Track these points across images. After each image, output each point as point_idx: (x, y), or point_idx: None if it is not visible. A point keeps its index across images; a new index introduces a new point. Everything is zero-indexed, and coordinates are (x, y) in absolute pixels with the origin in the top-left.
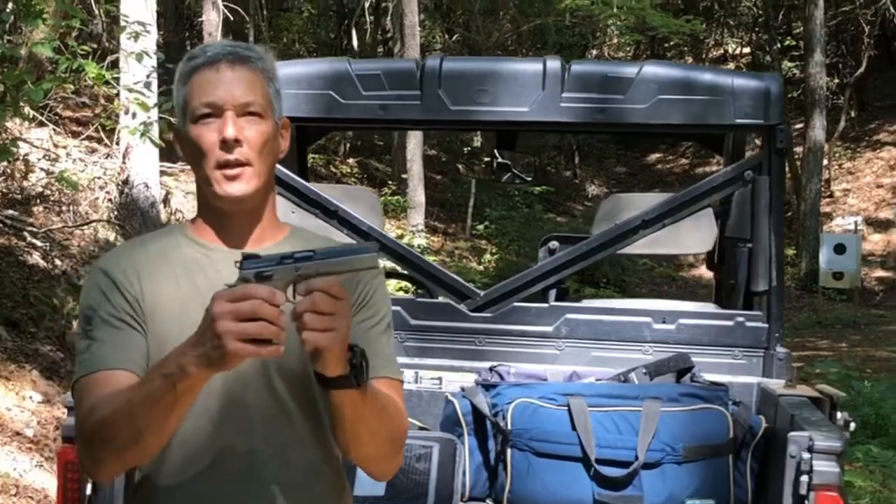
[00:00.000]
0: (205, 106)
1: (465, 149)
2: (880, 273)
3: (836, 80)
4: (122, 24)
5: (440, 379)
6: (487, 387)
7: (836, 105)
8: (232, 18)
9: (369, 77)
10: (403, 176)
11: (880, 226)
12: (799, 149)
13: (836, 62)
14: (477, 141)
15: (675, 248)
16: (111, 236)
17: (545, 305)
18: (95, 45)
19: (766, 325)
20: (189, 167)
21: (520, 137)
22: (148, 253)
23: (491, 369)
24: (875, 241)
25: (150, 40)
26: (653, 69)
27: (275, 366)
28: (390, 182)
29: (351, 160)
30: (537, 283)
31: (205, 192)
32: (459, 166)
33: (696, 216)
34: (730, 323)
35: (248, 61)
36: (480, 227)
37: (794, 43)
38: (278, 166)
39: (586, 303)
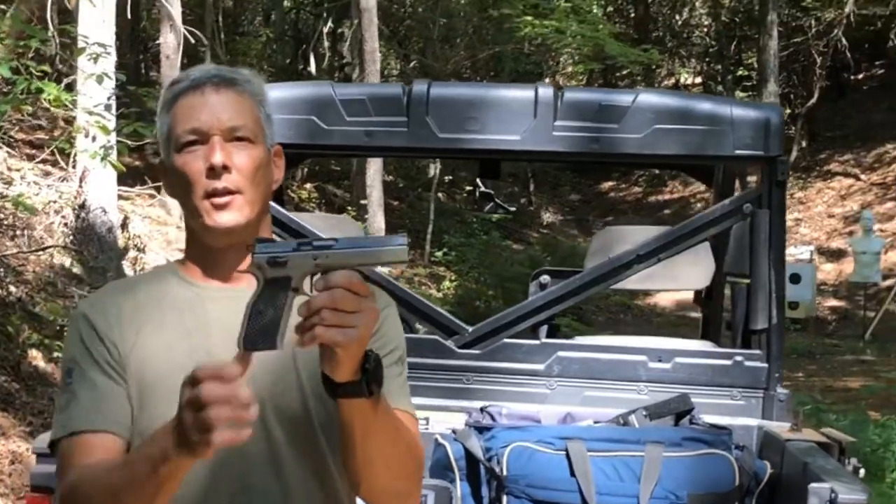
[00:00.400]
0: (189, 133)
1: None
2: (833, 302)
3: (788, 111)
4: (81, 44)
5: (427, 419)
6: (480, 429)
7: (787, 135)
8: (192, 41)
9: (354, 102)
10: (363, 202)
11: (832, 255)
12: (751, 178)
13: (787, 93)
14: (433, 169)
15: (672, 284)
16: (67, 262)
17: (536, 342)
18: (49, 68)
19: (765, 365)
20: (172, 198)
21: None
22: (134, 295)
23: (482, 410)
24: (827, 271)
25: (110, 62)
26: (649, 98)
27: (272, 411)
28: (349, 208)
29: (308, 185)
30: (528, 318)
31: (193, 227)
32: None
33: (694, 251)
34: (728, 362)
35: (234, 84)
36: (439, 253)
37: (746, 73)
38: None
39: (579, 340)
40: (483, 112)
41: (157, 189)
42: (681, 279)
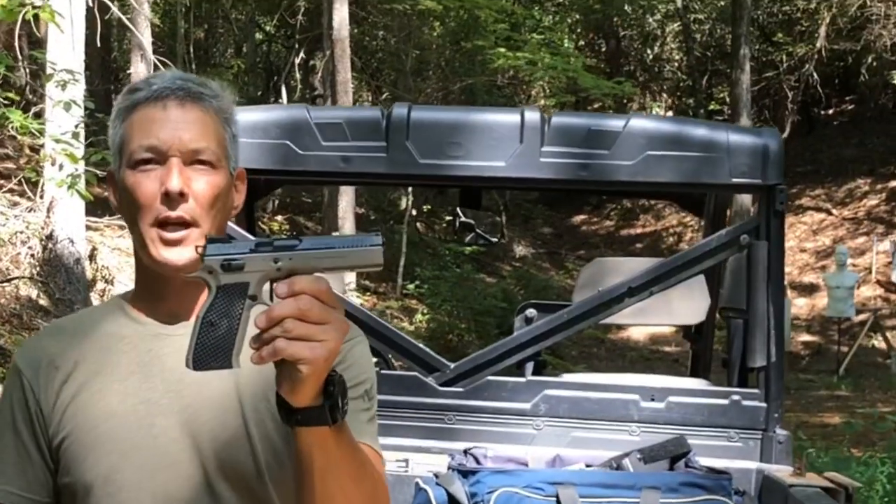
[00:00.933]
0: (146, 150)
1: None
2: (806, 337)
3: None
4: (50, 71)
5: (406, 461)
6: (465, 472)
7: None
8: (161, 70)
9: (330, 126)
10: (335, 234)
11: (805, 290)
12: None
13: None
14: (405, 201)
15: (665, 319)
16: (33, 293)
17: (522, 380)
18: (19, 97)
19: (764, 405)
20: (122, 220)
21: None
22: (73, 336)
23: (465, 452)
24: (800, 306)
25: (79, 89)
26: (641, 122)
27: (215, 462)
28: None
29: (280, 217)
30: (513, 354)
31: (139, 253)
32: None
33: (688, 284)
34: (724, 401)
35: (200, 99)
36: (411, 286)
37: (718, 107)
38: (235, 227)
39: (567, 377)
40: (467, 137)
41: None
42: (674, 314)
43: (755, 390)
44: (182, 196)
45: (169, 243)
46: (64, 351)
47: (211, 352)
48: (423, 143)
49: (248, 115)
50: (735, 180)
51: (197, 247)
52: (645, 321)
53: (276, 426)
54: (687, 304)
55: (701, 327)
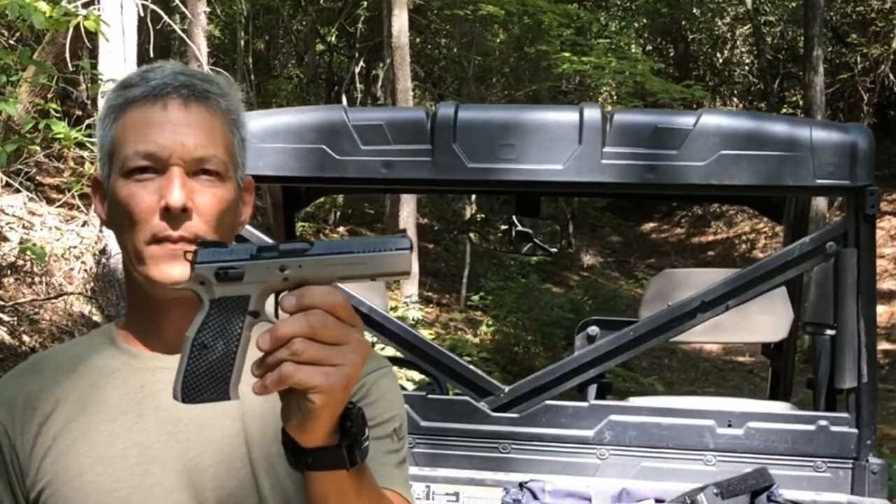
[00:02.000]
0: (142, 156)
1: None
2: (886, 346)
3: None
4: (98, 81)
5: (457, 495)
6: None
7: None
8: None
9: (370, 128)
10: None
11: (883, 297)
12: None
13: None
14: (469, 210)
15: (743, 336)
16: (86, 309)
17: (584, 404)
18: (80, 112)
19: (855, 431)
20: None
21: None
22: (55, 372)
23: (521, 486)
24: (879, 313)
25: None
26: (714, 119)
27: (267, 476)
28: None
29: (341, 228)
30: (574, 376)
31: (132, 273)
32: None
33: (768, 297)
34: (811, 427)
35: (206, 98)
36: (475, 297)
37: (791, 111)
38: (260, 235)
39: (634, 401)
40: (519, 138)
41: None
42: (753, 330)
43: (845, 414)
44: (185, 212)
45: (168, 256)
46: (44, 389)
47: (204, 380)
48: (472, 145)
49: (280, 118)
50: (820, 181)
51: (186, 252)
52: (720, 338)
53: (290, 473)
54: (767, 319)
55: (782, 344)
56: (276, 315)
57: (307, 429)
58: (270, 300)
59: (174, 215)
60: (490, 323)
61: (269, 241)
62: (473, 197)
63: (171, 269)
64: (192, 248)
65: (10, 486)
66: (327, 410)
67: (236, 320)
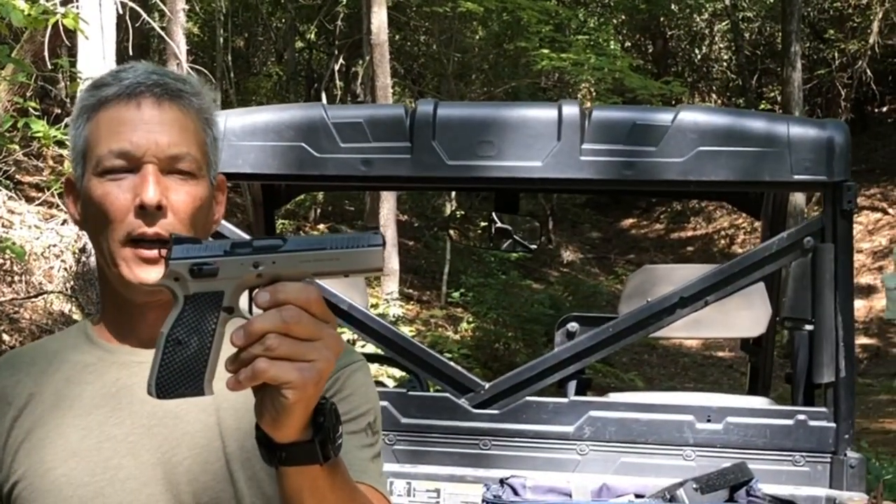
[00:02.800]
0: (116, 155)
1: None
2: (864, 340)
3: None
4: (77, 80)
5: (438, 491)
6: None
7: None
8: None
9: (349, 126)
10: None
11: (861, 292)
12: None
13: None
14: (449, 207)
15: (722, 331)
16: (66, 308)
17: (564, 400)
18: (59, 110)
19: (833, 425)
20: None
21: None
22: (30, 366)
23: (502, 482)
24: (857, 308)
25: None
26: (692, 115)
27: (243, 469)
28: None
29: (322, 226)
30: (554, 372)
31: (107, 274)
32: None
33: (746, 292)
34: (789, 422)
35: (179, 97)
36: (456, 294)
37: (769, 107)
38: (239, 232)
39: (614, 397)
40: (498, 135)
41: None
42: (732, 325)
43: (823, 409)
44: (159, 209)
45: (144, 260)
46: (18, 383)
47: (178, 376)
48: (451, 142)
49: (259, 116)
50: (797, 177)
51: (160, 249)
52: (699, 334)
53: (266, 466)
54: (746, 315)
55: (761, 339)
56: (251, 311)
57: (280, 424)
58: (245, 296)
59: (149, 213)
60: (470, 319)
61: (245, 236)
62: (453, 194)
63: (147, 273)
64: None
65: None
66: (300, 406)
67: (210, 316)
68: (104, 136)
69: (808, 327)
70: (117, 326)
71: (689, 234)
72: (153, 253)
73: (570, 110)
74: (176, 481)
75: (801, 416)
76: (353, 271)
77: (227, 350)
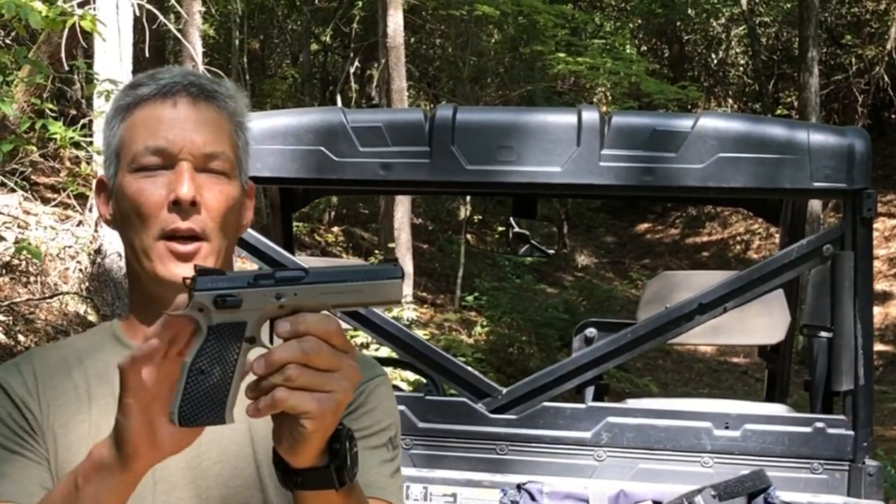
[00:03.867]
0: (152, 152)
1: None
2: (880, 347)
3: None
4: (94, 81)
5: (454, 496)
6: None
7: None
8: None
9: (368, 130)
10: (391, 245)
11: (877, 298)
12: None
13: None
14: (464, 211)
15: (741, 338)
16: (82, 309)
17: (582, 406)
18: (75, 111)
19: (851, 433)
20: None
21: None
22: (63, 359)
23: (519, 487)
24: (874, 315)
25: None
26: (712, 121)
27: (272, 475)
28: (377, 251)
29: (336, 228)
30: (572, 378)
31: (137, 271)
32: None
33: (765, 299)
34: (807, 429)
35: (214, 98)
36: (470, 298)
37: (785, 112)
38: (257, 235)
39: (632, 403)
40: (518, 140)
41: None
42: (750, 332)
43: (841, 417)
44: (194, 205)
45: (181, 258)
46: (50, 375)
47: (201, 404)
48: (471, 147)
49: (278, 120)
50: (817, 185)
51: (185, 279)
52: (717, 341)
53: None
54: (765, 322)
55: (779, 346)
56: (271, 341)
57: (298, 451)
58: (266, 326)
59: (183, 208)
60: (484, 323)
61: (267, 241)
62: (468, 198)
63: (180, 269)
64: (200, 243)
65: (36, 442)
66: (318, 434)
67: (233, 346)
68: (140, 133)
69: (827, 335)
70: (146, 322)
71: (705, 239)
72: (186, 248)
73: (590, 116)
74: (205, 485)
75: (820, 424)
76: (373, 303)
77: (248, 380)
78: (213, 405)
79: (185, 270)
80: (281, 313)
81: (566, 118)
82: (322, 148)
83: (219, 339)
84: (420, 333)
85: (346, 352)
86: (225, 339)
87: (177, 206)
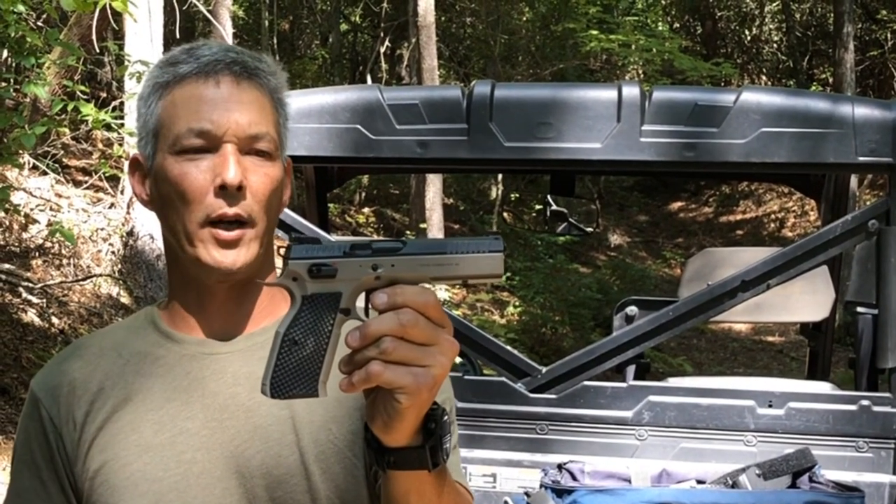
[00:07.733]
0: (196, 134)
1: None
2: None
3: None
4: (125, 63)
5: (494, 476)
6: (559, 491)
7: None
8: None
9: (405, 108)
10: (422, 226)
11: None
12: None
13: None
14: (495, 190)
15: (784, 315)
16: (114, 291)
17: (623, 385)
18: (105, 94)
19: None
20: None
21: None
22: (99, 356)
23: (560, 467)
24: None
25: None
26: (755, 96)
27: (317, 462)
28: (408, 232)
29: (367, 209)
30: (613, 357)
31: (179, 256)
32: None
33: (810, 276)
34: (853, 407)
35: (257, 76)
36: (502, 278)
37: (819, 88)
38: (293, 215)
39: (673, 382)
40: (557, 117)
41: None
42: (794, 309)
43: (887, 394)
44: (240, 190)
45: (224, 244)
46: (88, 375)
47: (293, 376)
48: (509, 124)
49: (315, 98)
50: (862, 159)
51: (279, 248)
52: (760, 318)
53: (340, 460)
54: (808, 299)
55: (821, 324)
56: (367, 314)
57: (392, 428)
58: (361, 298)
59: (230, 193)
60: (517, 304)
61: (302, 219)
62: (500, 177)
63: (224, 256)
64: (244, 230)
65: (55, 473)
66: (413, 411)
67: (328, 317)
68: (182, 114)
69: (872, 311)
70: (186, 316)
71: (739, 217)
72: (230, 234)
73: (631, 91)
74: (249, 475)
75: (865, 402)
76: (472, 277)
77: (341, 352)
78: (305, 377)
79: (230, 258)
80: (377, 285)
81: (606, 94)
82: (359, 126)
83: (313, 310)
84: (454, 314)
85: (443, 326)
86: (319, 310)
87: (223, 190)
